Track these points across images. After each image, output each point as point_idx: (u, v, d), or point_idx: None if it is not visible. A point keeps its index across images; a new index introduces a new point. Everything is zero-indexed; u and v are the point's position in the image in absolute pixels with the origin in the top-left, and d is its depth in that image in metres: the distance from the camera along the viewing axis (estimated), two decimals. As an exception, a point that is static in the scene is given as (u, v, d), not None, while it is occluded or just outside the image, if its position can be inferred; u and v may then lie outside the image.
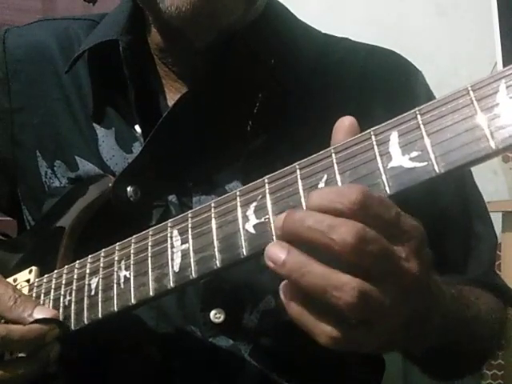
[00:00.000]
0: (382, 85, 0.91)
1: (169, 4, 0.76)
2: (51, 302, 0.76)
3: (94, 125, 0.90)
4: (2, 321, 0.72)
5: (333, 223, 0.50)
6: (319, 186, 0.55)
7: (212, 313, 0.82)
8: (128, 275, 0.68)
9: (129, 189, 0.82)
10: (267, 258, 0.53)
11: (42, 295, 0.77)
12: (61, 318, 0.73)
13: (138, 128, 0.87)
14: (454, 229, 0.90)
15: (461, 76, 2.15)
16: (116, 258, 0.70)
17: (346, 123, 0.57)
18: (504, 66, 1.86)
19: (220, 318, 0.82)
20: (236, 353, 0.83)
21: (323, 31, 0.97)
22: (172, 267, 0.63)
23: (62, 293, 0.74)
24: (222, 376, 0.84)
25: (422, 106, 0.51)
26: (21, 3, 2.01)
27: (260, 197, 0.58)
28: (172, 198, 0.85)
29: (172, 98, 0.88)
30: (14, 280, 0.83)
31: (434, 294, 0.58)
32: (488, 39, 1.95)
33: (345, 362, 0.87)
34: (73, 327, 0.72)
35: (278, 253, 0.52)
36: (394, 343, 0.58)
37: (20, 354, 0.73)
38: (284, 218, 0.53)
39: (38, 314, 0.71)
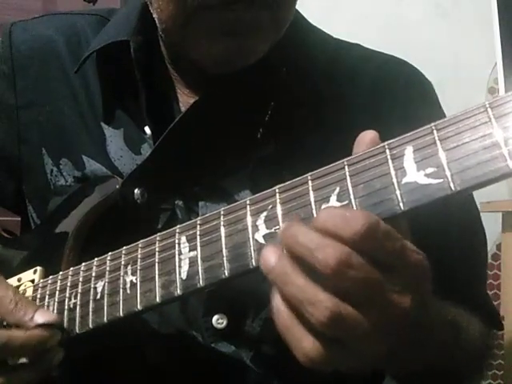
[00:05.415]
0: (395, 95, 0.90)
1: (199, 55, 0.79)
2: (56, 304, 0.75)
3: (102, 124, 0.90)
4: (5, 322, 0.72)
5: (321, 243, 0.50)
6: (331, 198, 0.54)
7: (214, 318, 0.82)
8: (134, 280, 0.67)
9: (136, 191, 0.81)
10: (261, 257, 0.53)
11: (47, 297, 0.77)
12: (65, 320, 0.73)
13: (147, 130, 0.86)
14: (450, 244, 0.88)
15: (461, 76, 2.15)
16: (122, 263, 0.70)
17: (367, 137, 0.56)
18: (504, 66, 1.86)
19: (222, 323, 0.82)
20: (237, 359, 0.83)
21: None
22: (179, 274, 0.63)
23: (67, 295, 0.74)
24: (223, 382, 0.84)
25: (438, 122, 0.51)
26: (21, 3, 2.00)
27: (270, 206, 0.58)
28: (179, 201, 0.84)
29: (185, 101, 0.88)
30: (19, 279, 0.82)
31: (427, 328, 0.57)
32: (488, 39, 1.95)
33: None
34: (77, 330, 0.72)
35: (269, 256, 0.53)
36: (374, 365, 0.57)
37: (21, 360, 0.72)
38: (282, 229, 0.54)
39: (39, 317, 0.70)
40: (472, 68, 2.17)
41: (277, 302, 0.54)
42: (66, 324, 0.73)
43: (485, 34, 2.03)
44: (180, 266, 0.63)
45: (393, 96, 0.90)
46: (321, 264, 0.49)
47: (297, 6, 0.93)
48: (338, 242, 0.50)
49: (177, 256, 0.64)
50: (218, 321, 0.82)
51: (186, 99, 0.88)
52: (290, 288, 0.51)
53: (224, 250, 0.60)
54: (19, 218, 1.01)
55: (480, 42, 2.14)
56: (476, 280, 0.92)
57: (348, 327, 0.51)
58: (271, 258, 0.52)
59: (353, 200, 0.53)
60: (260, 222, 0.58)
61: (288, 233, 0.52)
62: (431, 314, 0.57)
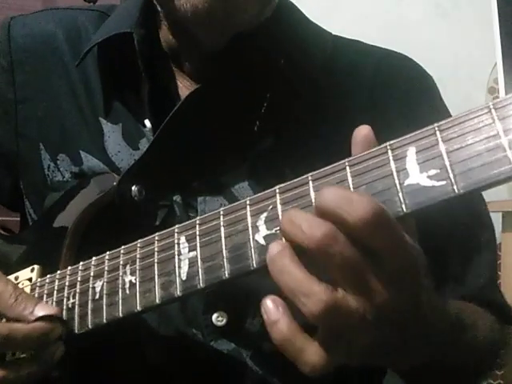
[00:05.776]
0: (396, 89, 0.90)
1: (184, 1, 0.76)
2: (54, 303, 0.74)
3: (101, 119, 0.89)
4: (3, 320, 0.71)
5: (310, 219, 0.50)
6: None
7: (214, 316, 0.82)
8: (133, 280, 0.67)
9: (133, 188, 0.80)
10: (268, 249, 0.54)
11: (45, 296, 0.76)
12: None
13: (147, 123, 0.86)
14: (456, 239, 0.88)
15: (461, 76, 2.15)
16: (121, 262, 0.69)
17: (361, 133, 0.55)
18: (504, 66, 1.86)
19: (222, 321, 0.81)
20: (237, 357, 0.83)
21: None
22: (179, 275, 0.62)
23: (66, 295, 0.73)
24: (223, 380, 0.83)
25: (441, 122, 0.50)
26: (21, 3, 2.00)
27: (271, 207, 0.57)
28: (177, 197, 0.84)
29: (185, 94, 0.87)
30: (16, 278, 0.82)
31: (421, 324, 0.56)
32: (488, 39, 1.95)
33: (346, 367, 0.87)
34: (76, 331, 0.71)
35: (274, 248, 0.53)
36: (369, 359, 0.57)
37: (22, 355, 0.72)
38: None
39: (40, 311, 0.69)
40: (472, 68, 2.17)
41: (273, 315, 0.54)
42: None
43: (485, 34, 2.03)
44: (180, 267, 0.62)
45: (394, 90, 0.90)
46: (307, 237, 0.49)
47: (297, 5, 0.93)
48: (326, 221, 0.49)
49: (176, 256, 0.63)
50: (218, 318, 0.81)
51: (186, 92, 0.87)
52: (285, 278, 0.51)
53: (224, 251, 0.59)
54: (18, 218, 1.00)
55: (480, 42, 2.14)
56: (486, 274, 0.90)
57: (342, 319, 0.51)
58: (274, 248, 0.53)
59: (354, 201, 0.52)
60: (260, 223, 0.57)
61: (284, 215, 0.53)
62: (425, 310, 0.56)
